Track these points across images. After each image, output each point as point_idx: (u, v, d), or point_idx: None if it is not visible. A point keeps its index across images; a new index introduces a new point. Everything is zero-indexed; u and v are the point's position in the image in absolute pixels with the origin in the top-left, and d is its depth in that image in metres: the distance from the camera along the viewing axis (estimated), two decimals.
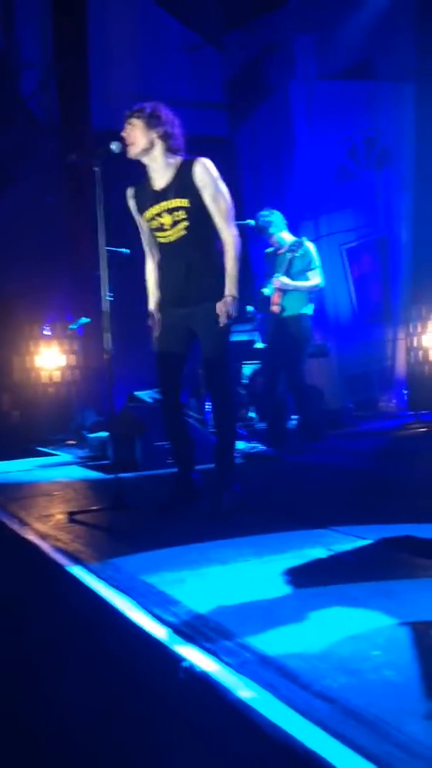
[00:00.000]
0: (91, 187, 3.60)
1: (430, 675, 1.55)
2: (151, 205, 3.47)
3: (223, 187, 3.42)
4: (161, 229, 3.46)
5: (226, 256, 3.41)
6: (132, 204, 3.58)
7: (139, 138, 3.41)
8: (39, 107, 8.59)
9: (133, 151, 3.44)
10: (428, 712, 1.39)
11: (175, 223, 3.41)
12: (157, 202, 3.45)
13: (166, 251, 3.51)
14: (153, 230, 3.50)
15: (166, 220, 3.43)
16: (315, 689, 1.50)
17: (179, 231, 3.42)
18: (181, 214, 3.39)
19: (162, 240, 3.49)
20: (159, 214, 3.45)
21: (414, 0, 7.89)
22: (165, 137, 3.42)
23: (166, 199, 3.42)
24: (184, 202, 3.39)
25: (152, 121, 3.39)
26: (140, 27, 8.81)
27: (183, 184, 3.39)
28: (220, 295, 3.39)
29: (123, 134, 3.44)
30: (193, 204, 3.38)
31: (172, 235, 3.44)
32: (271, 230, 5.44)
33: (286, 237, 5.49)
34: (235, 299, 3.40)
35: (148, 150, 3.43)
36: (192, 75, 9.26)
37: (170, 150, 3.44)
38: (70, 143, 7.38)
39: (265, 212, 5.51)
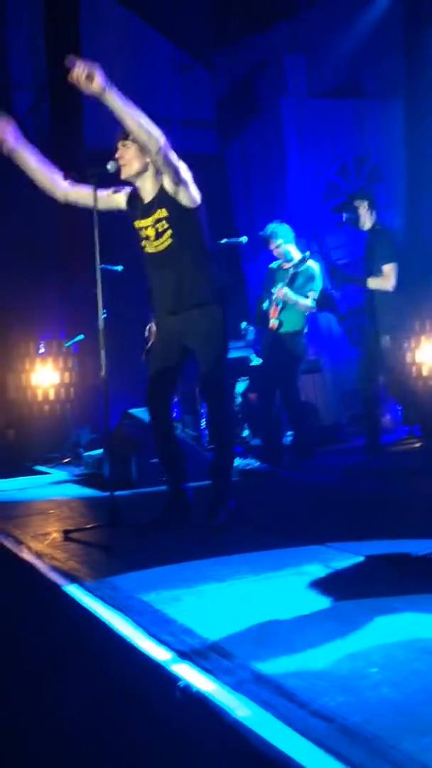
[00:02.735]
0: (84, 207, 3.63)
1: (427, 692, 1.55)
2: (141, 218, 3.52)
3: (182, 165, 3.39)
4: (148, 240, 3.50)
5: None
6: (125, 203, 3.61)
7: (132, 160, 3.44)
8: (32, 128, 8.64)
9: (126, 173, 3.47)
10: (426, 730, 1.39)
11: (160, 234, 3.45)
12: (144, 216, 3.50)
13: (154, 262, 3.53)
14: (141, 241, 3.54)
15: (151, 232, 3.48)
16: (312, 708, 1.50)
17: (166, 240, 3.45)
18: (164, 224, 3.44)
19: (150, 251, 3.52)
20: (146, 227, 3.50)
21: (402, 19, 7.98)
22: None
23: (150, 214, 3.47)
24: (164, 212, 3.43)
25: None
26: (132, 47, 8.89)
27: (162, 195, 3.44)
28: (212, 301, 3.42)
29: (116, 155, 3.47)
30: (172, 212, 3.42)
31: (159, 246, 3.48)
32: (277, 241, 5.46)
33: (293, 251, 5.52)
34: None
35: (141, 173, 3.46)
36: (183, 94, 9.33)
37: (161, 172, 3.47)
38: (64, 163, 7.40)
39: (274, 223, 5.56)
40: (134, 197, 3.56)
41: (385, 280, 5.00)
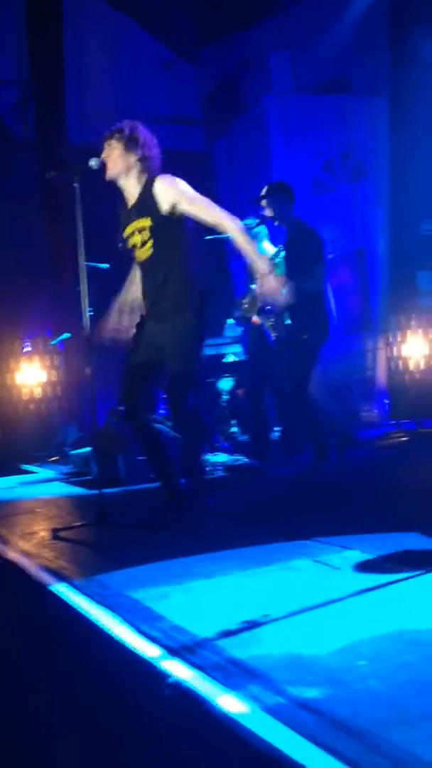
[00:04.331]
0: (69, 203, 3.62)
1: (416, 685, 1.56)
2: (128, 224, 3.52)
3: (193, 193, 3.43)
4: (135, 247, 3.52)
5: (236, 242, 3.44)
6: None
7: (116, 160, 3.44)
8: (16, 124, 8.60)
9: (111, 173, 3.47)
10: (414, 721, 1.40)
11: (143, 243, 3.46)
12: (130, 221, 3.50)
13: (141, 269, 3.56)
14: (131, 248, 3.53)
15: (137, 239, 3.48)
16: (301, 701, 1.51)
17: (147, 250, 3.46)
18: (146, 234, 3.44)
19: (137, 258, 3.54)
20: (132, 234, 3.50)
21: (387, 16, 8.00)
22: (142, 160, 3.45)
23: (134, 219, 3.48)
24: (147, 222, 3.43)
25: (130, 144, 3.43)
26: (116, 44, 8.87)
27: (145, 203, 3.43)
28: (189, 311, 3.42)
29: (102, 156, 3.47)
30: (156, 223, 3.41)
31: (143, 254, 3.49)
32: (255, 240, 5.37)
33: (268, 247, 5.51)
34: (269, 275, 3.53)
35: (125, 173, 3.46)
36: (168, 91, 9.32)
37: (146, 172, 3.47)
38: (48, 160, 7.39)
39: (251, 221, 5.43)
40: (123, 205, 3.55)
41: (313, 279, 4.69)
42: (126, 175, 3.47)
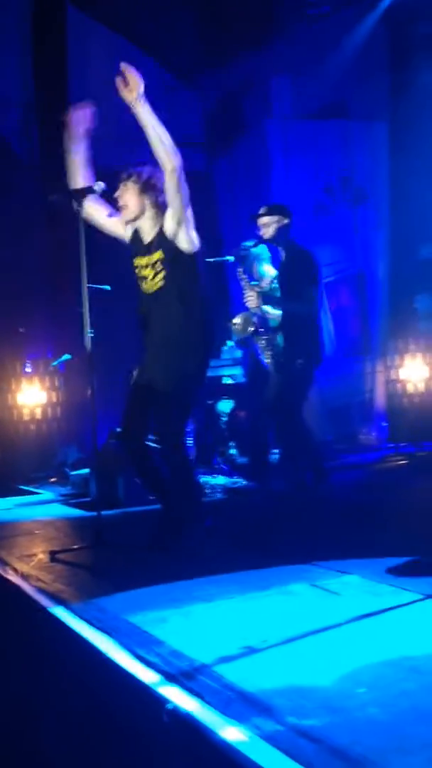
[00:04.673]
0: (71, 225, 3.65)
1: (416, 712, 1.55)
2: (140, 255, 3.54)
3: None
4: (144, 279, 3.54)
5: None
6: (129, 238, 3.62)
7: (130, 202, 3.47)
8: (20, 146, 8.67)
9: (127, 216, 3.50)
10: (414, 749, 1.39)
11: (155, 275, 3.48)
12: (143, 255, 3.53)
13: (147, 301, 3.56)
14: (138, 278, 3.57)
15: (149, 272, 3.51)
16: (300, 728, 1.50)
17: (159, 282, 3.48)
18: (159, 266, 3.47)
19: (144, 289, 3.55)
20: (144, 266, 3.53)
21: (387, 42, 8.11)
22: (157, 205, 3.47)
23: (150, 253, 3.50)
24: (161, 254, 3.46)
25: (147, 188, 3.45)
26: (119, 67, 8.97)
27: (161, 238, 3.46)
28: (190, 347, 3.45)
29: (116, 195, 3.50)
30: (168, 255, 3.44)
31: (153, 286, 3.51)
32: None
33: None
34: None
35: (139, 215, 3.48)
36: (169, 113, 9.37)
37: (160, 217, 3.49)
38: (52, 182, 7.44)
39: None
40: (136, 234, 3.58)
41: (307, 302, 4.65)
42: (141, 217, 3.51)
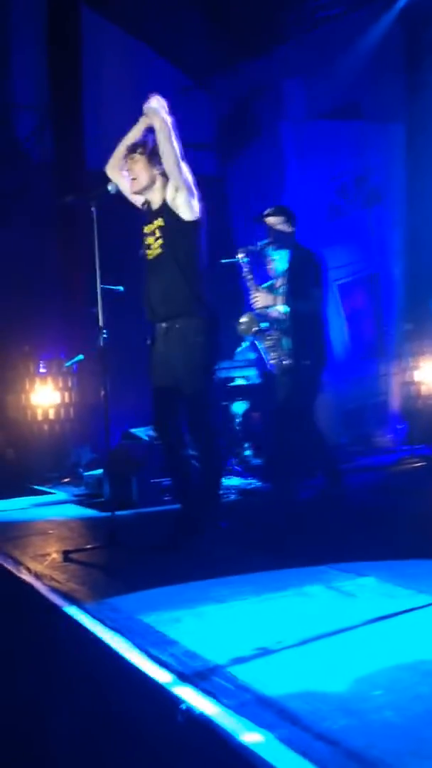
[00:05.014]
0: (84, 226, 3.66)
1: (431, 716, 1.53)
2: (146, 223, 3.60)
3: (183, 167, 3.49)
4: (148, 247, 3.58)
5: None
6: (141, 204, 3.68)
7: (141, 173, 3.50)
8: (35, 148, 8.71)
9: (137, 187, 3.53)
10: (430, 753, 1.37)
11: (155, 241, 3.54)
12: (148, 222, 3.59)
13: (148, 268, 3.61)
14: (143, 247, 3.61)
15: (151, 240, 3.57)
16: (316, 731, 1.48)
17: (157, 249, 3.52)
18: (158, 233, 3.52)
19: (147, 256, 3.60)
20: (148, 234, 3.59)
21: (401, 42, 8.07)
22: (165, 173, 3.49)
23: (153, 221, 3.57)
24: (161, 222, 3.51)
25: (153, 157, 3.48)
26: (133, 70, 8.99)
27: (165, 206, 3.53)
28: (195, 315, 3.47)
29: (125, 170, 3.54)
30: (169, 222, 3.49)
31: (152, 253, 3.56)
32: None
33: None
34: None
35: (149, 186, 3.51)
36: (183, 116, 9.40)
37: (166, 185, 3.52)
38: (65, 184, 7.47)
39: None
40: (147, 205, 3.64)
41: (312, 303, 4.59)
42: (150, 188, 3.54)
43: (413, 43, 7.96)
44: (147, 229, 3.59)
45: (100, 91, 8.49)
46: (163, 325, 3.55)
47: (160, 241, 3.50)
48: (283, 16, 8.73)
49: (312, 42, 8.61)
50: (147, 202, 3.61)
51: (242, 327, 4.82)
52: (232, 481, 5.56)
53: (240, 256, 4.69)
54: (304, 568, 2.87)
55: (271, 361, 4.71)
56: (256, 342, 4.92)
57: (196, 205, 3.50)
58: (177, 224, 3.47)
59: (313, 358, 4.63)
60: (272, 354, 4.67)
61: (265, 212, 4.82)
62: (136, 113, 3.64)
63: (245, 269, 4.77)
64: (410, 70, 7.96)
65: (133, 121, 3.66)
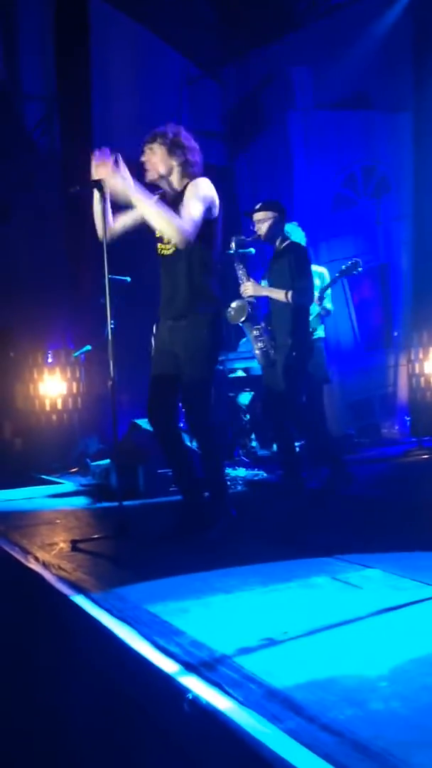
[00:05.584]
0: (91, 216, 3.64)
1: None
2: None
3: (198, 205, 3.37)
4: (161, 241, 3.53)
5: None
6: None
7: (158, 164, 3.45)
8: (42, 139, 8.70)
9: (151, 177, 3.48)
10: None
11: (169, 239, 3.47)
12: None
13: (163, 265, 3.58)
14: (157, 242, 3.56)
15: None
16: (322, 722, 1.49)
17: (171, 246, 3.47)
18: None
19: (161, 253, 3.56)
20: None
21: (410, 32, 8.01)
22: (184, 165, 3.46)
23: None
24: None
25: (174, 148, 3.43)
26: (141, 59, 8.95)
27: (177, 202, 3.45)
28: (201, 312, 3.44)
29: (142, 159, 3.48)
30: None
31: (166, 249, 3.52)
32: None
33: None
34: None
35: (165, 177, 3.47)
36: (191, 106, 9.38)
37: (187, 177, 3.48)
38: (73, 174, 7.45)
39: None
40: (162, 197, 3.54)
41: (297, 294, 4.57)
42: (167, 179, 3.48)
43: (422, 32, 7.89)
44: None
45: (108, 82, 8.46)
46: (170, 322, 3.53)
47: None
48: (292, 4, 8.68)
49: (321, 31, 8.55)
50: (163, 194, 3.55)
51: (231, 314, 4.83)
52: (238, 472, 5.57)
53: (232, 246, 4.71)
54: (310, 559, 2.87)
55: (256, 351, 4.72)
56: (244, 330, 4.93)
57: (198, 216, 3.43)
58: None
59: (299, 350, 4.63)
60: (258, 344, 4.67)
61: (255, 207, 4.83)
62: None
63: (236, 259, 4.78)
64: (418, 60, 7.90)
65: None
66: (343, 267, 5.78)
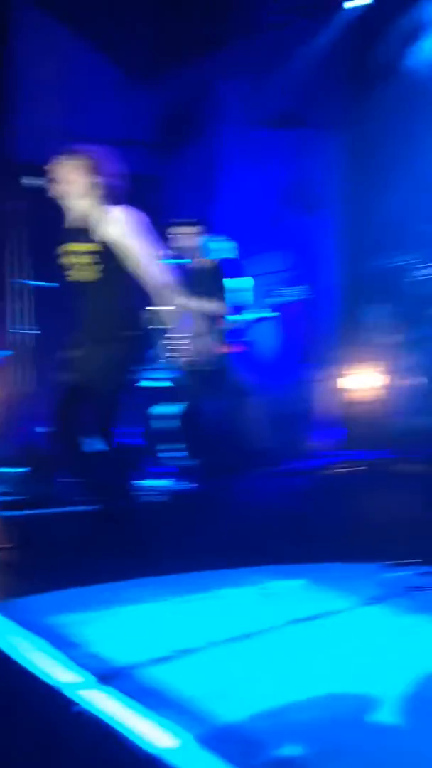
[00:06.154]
0: (12, 222, 3.48)
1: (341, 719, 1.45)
2: (70, 241, 3.34)
3: (143, 243, 3.28)
4: (72, 267, 3.33)
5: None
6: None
7: (74, 182, 3.26)
8: None
9: (62, 192, 3.28)
10: (343, 754, 1.29)
11: (87, 265, 3.29)
12: (76, 239, 3.32)
13: (77, 289, 3.37)
14: (65, 264, 3.37)
15: (82, 260, 3.31)
16: (227, 729, 1.39)
17: (93, 273, 3.29)
18: (95, 258, 3.28)
19: (74, 277, 3.35)
20: (74, 253, 3.32)
21: (344, 51, 8.15)
22: (102, 186, 3.29)
23: (82, 242, 3.30)
24: (95, 247, 3.27)
25: (93, 169, 3.26)
26: (69, 64, 8.81)
27: (96, 228, 3.28)
28: (121, 338, 3.32)
29: (52, 169, 3.29)
30: (106, 249, 3.27)
31: (87, 275, 3.31)
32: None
33: None
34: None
35: (80, 195, 3.28)
36: (121, 113, 9.29)
37: (104, 198, 3.31)
38: None
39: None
40: (70, 217, 3.38)
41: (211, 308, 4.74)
42: (80, 197, 3.30)
43: (357, 54, 8.04)
44: (72, 247, 3.32)
45: (33, 85, 8.29)
46: (89, 343, 3.38)
47: (94, 267, 3.28)
48: (229, 19, 8.72)
49: (257, 48, 8.63)
50: (72, 215, 3.38)
51: (158, 321, 4.76)
52: (161, 483, 5.47)
53: None
54: (227, 569, 2.78)
55: (165, 360, 4.67)
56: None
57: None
58: (112, 250, 3.27)
59: (209, 362, 4.63)
60: (170, 354, 4.62)
61: (173, 222, 4.82)
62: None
63: None
64: (351, 80, 8.03)
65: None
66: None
